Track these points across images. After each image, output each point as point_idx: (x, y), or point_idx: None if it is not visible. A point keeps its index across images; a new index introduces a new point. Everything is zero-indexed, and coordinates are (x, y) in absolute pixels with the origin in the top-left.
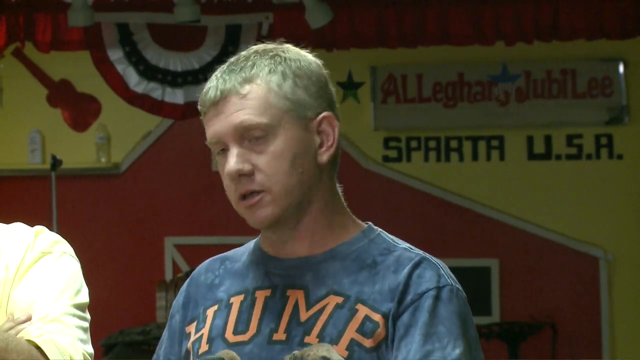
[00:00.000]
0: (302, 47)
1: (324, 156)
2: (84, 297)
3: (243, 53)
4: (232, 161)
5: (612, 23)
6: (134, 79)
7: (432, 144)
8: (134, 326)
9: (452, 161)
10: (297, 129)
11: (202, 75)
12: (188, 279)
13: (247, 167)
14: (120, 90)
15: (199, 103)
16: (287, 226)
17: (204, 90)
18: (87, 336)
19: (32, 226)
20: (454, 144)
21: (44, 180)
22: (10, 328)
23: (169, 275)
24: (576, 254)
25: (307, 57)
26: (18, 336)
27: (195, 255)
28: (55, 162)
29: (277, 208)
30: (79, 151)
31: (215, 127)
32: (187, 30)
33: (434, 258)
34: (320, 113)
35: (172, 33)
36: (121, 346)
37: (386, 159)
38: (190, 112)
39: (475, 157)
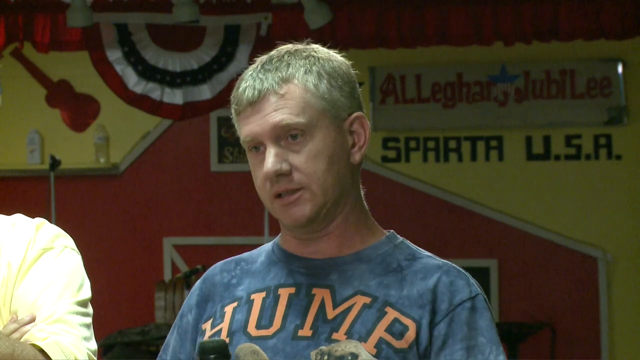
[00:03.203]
0: (328, 47)
1: (357, 156)
2: (87, 292)
3: (274, 53)
4: (270, 161)
5: (611, 23)
6: (132, 79)
7: (430, 144)
8: (133, 326)
9: (451, 161)
10: (333, 129)
11: (201, 75)
12: (200, 280)
13: (285, 167)
14: (119, 91)
15: (233, 102)
16: (320, 226)
17: (240, 89)
18: (90, 332)
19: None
20: (452, 144)
21: (43, 180)
22: (15, 329)
23: (167, 276)
24: (575, 254)
25: (337, 57)
26: (23, 339)
27: (194, 256)
28: (54, 163)
29: (315, 207)
30: (78, 151)
31: (251, 126)
32: (186, 30)
33: (458, 267)
34: (352, 113)
35: (171, 33)
36: (120, 346)
37: (385, 159)
38: (188, 113)
39: (474, 157)
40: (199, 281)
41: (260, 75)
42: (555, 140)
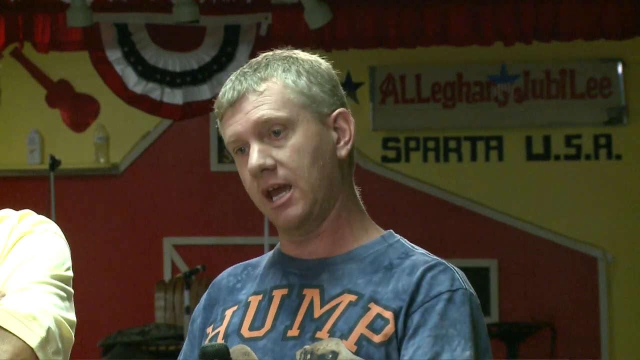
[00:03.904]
0: (304, 50)
1: (343, 151)
2: (67, 271)
3: (253, 60)
4: (254, 157)
5: (611, 23)
6: (132, 79)
7: (430, 144)
8: (133, 326)
9: (451, 161)
10: (314, 124)
11: (201, 75)
12: (210, 285)
13: (269, 161)
14: (119, 91)
15: (215, 106)
16: (313, 225)
17: (220, 93)
18: (65, 304)
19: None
20: (452, 144)
21: (43, 180)
22: None
23: (167, 276)
24: (575, 254)
25: (317, 58)
26: None
27: (194, 256)
28: (54, 163)
29: (306, 205)
30: (78, 151)
31: (234, 126)
32: (186, 30)
33: (450, 264)
34: (335, 110)
35: (171, 33)
36: (120, 346)
37: (385, 159)
38: (188, 113)
39: (474, 157)
40: (209, 287)
41: (240, 78)
42: (555, 140)
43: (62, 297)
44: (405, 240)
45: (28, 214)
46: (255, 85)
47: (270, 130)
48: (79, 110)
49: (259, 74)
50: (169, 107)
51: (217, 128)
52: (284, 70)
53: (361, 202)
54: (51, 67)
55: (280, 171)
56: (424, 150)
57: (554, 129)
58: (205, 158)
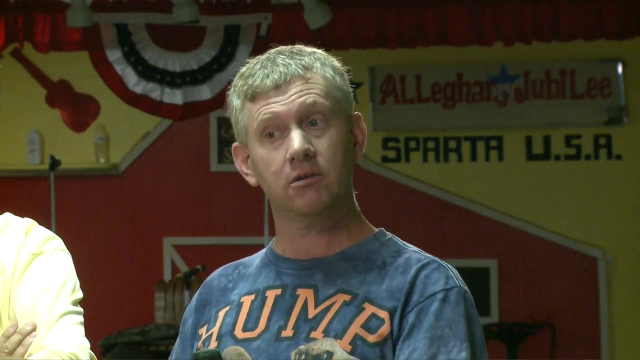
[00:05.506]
0: (328, 47)
1: (358, 154)
2: (79, 292)
3: (279, 48)
4: (298, 140)
5: (611, 23)
6: (132, 80)
7: (430, 144)
8: (133, 326)
9: (451, 162)
10: (344, 123)
11: (200, 75)
12: (201, 286)
13: (312, 148)
14: (119, 91)
15: (248, 85)
16: (328, 216)
17: (255, 76)
18: (83, 329)
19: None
20: (452, 144)
21: (43, 180)
22: (20, 341)
23: (167, 276)
24: (575, 254)
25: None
26: (27, 355)
27: (193, 256)
28: (54, 163)
29: (331, 195)
30: (78, 152)
31: (275, 106)
32: (186, 30)
33: (443, 261)
34: (352, 113)
35: (171, 33)
36: (120, 346)
37: (385, 159)
38: (188, 113)
39: (474, 157)
40: (200, 288)
41: (282, 62)
42: (555, 141)
43: (81, 323)
44: (397, 238)
45: (32, 227)
46: (302, 72)
47: (309, 120)
48: (79, 110)
49: (301, 62)
50: (169, 107)
51: (231, 114)
52: (322, 64)
53: (356, 204)
54: (51, 67)
55: (319, 160)
56: (424, 150)
57: (554, 129)
58: (205, 158)
